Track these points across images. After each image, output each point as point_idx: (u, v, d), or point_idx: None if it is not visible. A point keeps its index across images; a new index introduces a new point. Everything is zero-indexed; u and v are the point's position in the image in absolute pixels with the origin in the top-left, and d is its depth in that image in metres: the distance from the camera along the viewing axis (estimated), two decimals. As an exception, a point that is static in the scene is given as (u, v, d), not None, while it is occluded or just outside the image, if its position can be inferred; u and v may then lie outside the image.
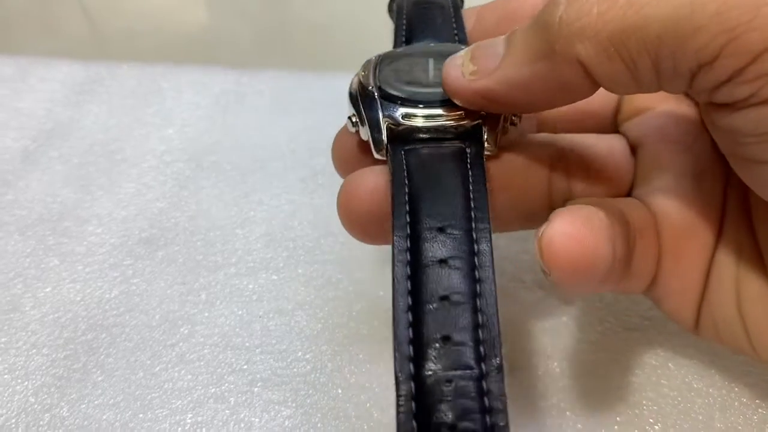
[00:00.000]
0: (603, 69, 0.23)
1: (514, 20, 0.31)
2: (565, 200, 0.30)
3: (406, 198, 0.25)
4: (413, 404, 0.20)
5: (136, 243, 0.43)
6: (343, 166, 0.30)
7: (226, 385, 0.36)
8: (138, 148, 0.50)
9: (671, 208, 0.29)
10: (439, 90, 0.27)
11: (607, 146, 0.32)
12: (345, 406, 0.35)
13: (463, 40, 0.32)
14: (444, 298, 0.22)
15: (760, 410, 0.33)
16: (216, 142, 0.50)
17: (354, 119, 0.29)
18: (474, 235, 0.23)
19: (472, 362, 0.21)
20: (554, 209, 0.26)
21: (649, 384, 0.34)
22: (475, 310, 0.22)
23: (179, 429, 0.34)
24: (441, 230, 0.24)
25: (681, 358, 0.35)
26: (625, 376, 0.35)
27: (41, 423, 0.34)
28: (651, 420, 0.33)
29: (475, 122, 0.27)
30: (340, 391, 0.35)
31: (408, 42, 0.33)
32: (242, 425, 0.34)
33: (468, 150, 0.27)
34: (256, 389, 0.35)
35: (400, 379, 0.21)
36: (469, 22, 0.34)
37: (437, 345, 0.21)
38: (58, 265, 0.42)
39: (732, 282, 0.28)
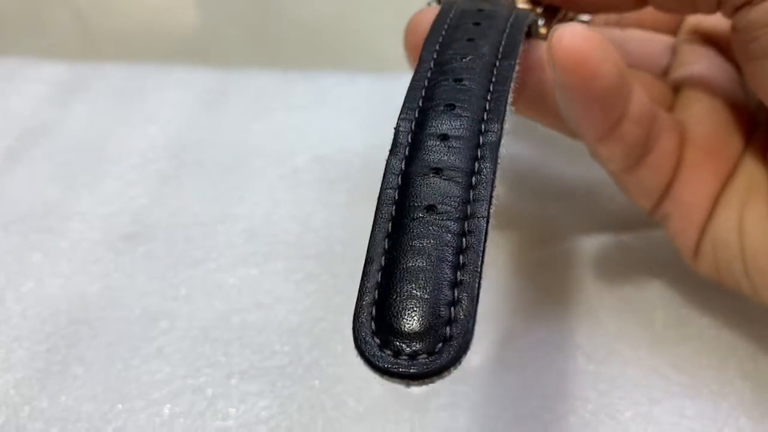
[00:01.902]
0: None
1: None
2: None
3: (434, 54, 0.24)
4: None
5: (118, 239, 0.44)
6: (415, 53, 0.27)
7: (204, 377, 0.36)
8: (121, 147, 0.50)
9: (703, 122, 0.30)
10: None
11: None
12: (321, 397, 0.35)
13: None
14: (436, 170, 0.21)
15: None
16: (198, 139, 0.51)
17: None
18: (485, 116, 0.22)
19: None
20: None
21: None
22: (469, 187, 0.20)
23: (157, 420, 0.34)
24: (451, 107, 0.22)
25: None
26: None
27: (21, 415, 0.35)
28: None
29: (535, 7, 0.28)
30: (317, 382, 0.36)
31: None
32: (219, 416, 0.34)
33: (515, 20, 0.26)
34: (233, 381, 0.36)
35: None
36: None
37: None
38: (41, 261, 0.43)
39: (739, 205, 0.29)
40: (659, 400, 0.34)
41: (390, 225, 0.20)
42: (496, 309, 0.38)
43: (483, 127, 0.22)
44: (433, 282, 0.18)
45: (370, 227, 0.20)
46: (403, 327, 0.18)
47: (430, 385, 0.18)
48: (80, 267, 0.42)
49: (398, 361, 0.17)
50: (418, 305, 0.18)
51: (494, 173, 0.20)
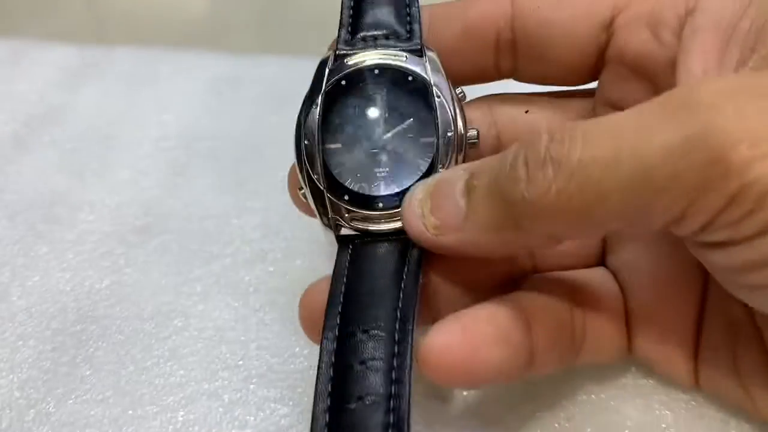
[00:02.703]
0: (575, 237, 0.26)
1: (473, 38, 0.31)
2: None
3: (341, 298, 0.27)
4: None
5: (130, 231, 0.42)
6: (312, 328, 0.30)
7: (220, 381, 0.34)
8: (133, 134, 0.49)
9: (642, 276, 0.30)
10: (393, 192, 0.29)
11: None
12: (343, 404, 0.33)
13: (416, 36, 0.31)
14: (359, 398, 0.24)
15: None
16: (212, 128, 0.49)
17: (303, 193, 0.30)
18: (396, 337, 0.26)
19: None
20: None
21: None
22: (388, 411, 0.24)
23: (170, 427, 0.32)
24: (365, 332, 0.26)
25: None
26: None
27: (26, 419, 0.33)
28: None
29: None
30: (338, 388, 0.34)
31: (354, 23, 0.32)
32: (236, 423, 0.33)
33: (410, 251, 0.28)
34: (251, 386, 0.34)
35: None
36: (423, 23, 0.32)
37: None
38: (47, 253, 0.41)
39: (728, 351, 0.28)
40: None
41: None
42: None
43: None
44: None
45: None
46: None
47: None
48: (89, 261, 0.40)
49: None
50: None
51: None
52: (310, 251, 0.40)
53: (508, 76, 0.33)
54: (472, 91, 0.33)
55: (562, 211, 0.22)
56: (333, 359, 0.25)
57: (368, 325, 0.26)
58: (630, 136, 0.21)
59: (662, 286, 0.30)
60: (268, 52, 0.56)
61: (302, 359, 0.35)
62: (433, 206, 0.27)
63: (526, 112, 0.33)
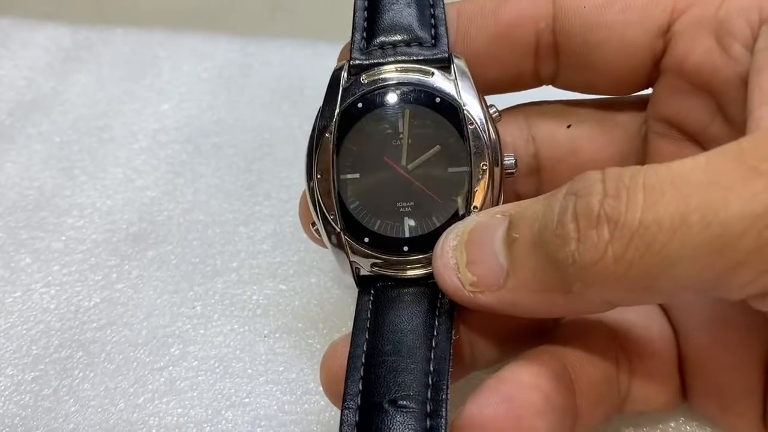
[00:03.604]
0: (635, 304, 0.24)
1: (509, 42, 0.28)
2: None
3: (363, 359, 0.24)
4: None
5: (123, 239, 0.37)
6: (332, 387, 0.26)
7: (224, 423, 0.30)
8: (128, 127, 0.44)
9: (700, 314, 0.27)
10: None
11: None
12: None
13: (442, 42, 0.28)
14: None
15: None
16: (218, 120, 0.44)
17: (316, 229, 0.27)
18: (428, 408, 0.23)
19: None
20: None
21: None
22: None
23: (165, 479, 0.28)
24: (393, 402, 0.23)
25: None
26: None
27: (-1, 465, 0.29)
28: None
29: None
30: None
31: (370, 27, 0.28)
32: (243, 476, 0.28)
33: (440, 299, 0.25)
34: (258, 430, 0.29)
35: None
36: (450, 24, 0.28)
37: None
38: (30, 265, 0.36)
39: None
40: None
41: None
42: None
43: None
44: None
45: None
46: None
47: None
48: (77, 274, 0.36)
49: None
50: None
51: None
52: (328, 266, 0.35)
53: (547, 83, 0.30)
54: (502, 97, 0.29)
55: (620, 278, 0.20)
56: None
57: (396, 393, 0.23)
58: (701, 195, 0.19)
59: (724, 326, 0.27)
60: (280, 35, 0.51)
61: (318, 397, 0.31)
62: (470, 259, 0.24)
63: (568, 126, 0.30)
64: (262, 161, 0.41)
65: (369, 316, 0.25)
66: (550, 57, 0.28)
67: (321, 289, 0.35)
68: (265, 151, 0.42)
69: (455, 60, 0.27)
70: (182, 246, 0.37)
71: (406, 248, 0.26)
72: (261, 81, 0.47)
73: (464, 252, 0.24)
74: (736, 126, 0.25)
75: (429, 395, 0.23)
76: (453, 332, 0.24)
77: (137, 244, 0.37)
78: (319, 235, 0.27)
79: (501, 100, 0.28)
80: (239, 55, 0.49)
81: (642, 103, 0.29)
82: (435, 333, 0.24)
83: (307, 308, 0.34)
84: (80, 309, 0.34)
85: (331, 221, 0.26)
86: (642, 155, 0.29)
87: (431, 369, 0.23)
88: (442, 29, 0.28)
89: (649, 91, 0.29)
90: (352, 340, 0.25)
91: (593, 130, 0.30)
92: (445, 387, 0.23)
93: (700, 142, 0.27)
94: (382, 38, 0.28)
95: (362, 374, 0.23)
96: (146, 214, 0.38)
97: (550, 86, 0.30)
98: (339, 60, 0.28)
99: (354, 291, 0.29)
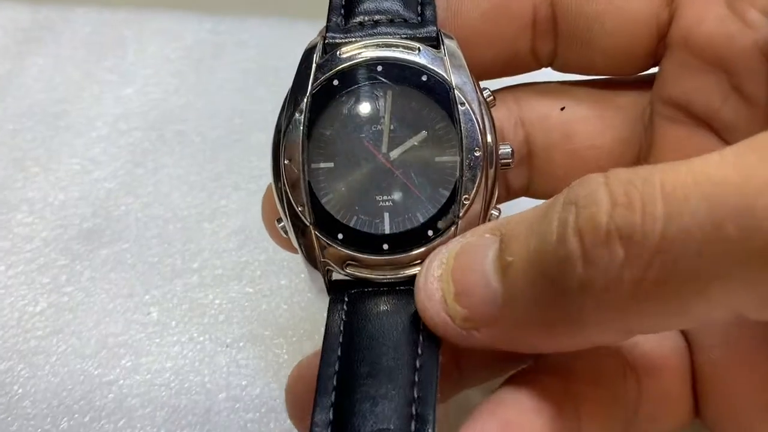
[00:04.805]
0: (659, 331, 0.19)
1: (503, 16, 0.25)
2: None
3: (334, 381, 0.21)
4: None
5: (75, 237, 0.35)
6: (298, 413, 0.24)
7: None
8: (87, 112, 0.40)
9: (716, 325, 0.24)
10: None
11: None
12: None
13: (430, 20, 0.25)
14: None
15: None
16: (185, 105, 0.41)
17: (282, 226, 0.24)
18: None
19: None
20: None
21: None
22: None
23: None
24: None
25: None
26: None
27: None
28: None
29: None
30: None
31: (348, 4, 0.25)
32: None
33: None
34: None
35: None
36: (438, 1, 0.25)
37: None
38: (-29, 266, 0.33)
39: None
40: None
41: None
42: None
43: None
44: None
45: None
46: None
47: None
48: (23, 275, 0.33)
49: None
50: None
51: None
52: (299, 267, 0.32)
53: (545, 65, 0.27)
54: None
55: (641, 304, 0.17)
56: None
57: (373, 426, 0.20)
58: (736, 199, 0.16)
59: (743, 341, 0.24)
60: (255, 13, 0.47)
61: (286, 415, 0.27)
62: (458, 289, 0.20)
63: (562, 109, 0.27)
64: (231, 150, 0.38)
65: (342, 329, 0.22)
66: (548, 33, 0.26)
67: (291, 292, 0.32)
68: (235, 138, 0.39)
69: (445, 38, 0.24)
70: (139, 244, 0.34)
71: (385, 246, 0.22)
72: (233, 63, 0.44)
73: (451, 281, 0.20)
74: (755, 105, 0.23)
75: (413, 428, 0.20)
76: (439, 352, 0.21)
77: (90, 242, 0.34)
78: (286, 235, 0.24)
79: (494, 84, 0.25)
80: (210, 35, 0.46)
81: (646, 83, 0.26)
82: (419, 351, 0.21)
83: (275, 313, 0.31)
84: (24, 315, 0.31)
85: (299, 214, 0.23)
86: (646, 142, 0.26)
87: (415, 396, 0.20)
88: (429, 6, 0.25)
89: (655, 70, 0.26)
90: (321, 358, 0.21)
91: (590, 113, 0.27)
92: (431, 419, 0.20)
93: (714, 127, 0.24)
94: (362, 17, 0.25)
95: (333, 400, 0.20)
96: (101, 209, 0.35)
97: (548, 69, 0.27)
98: (314, 38, 0.25)
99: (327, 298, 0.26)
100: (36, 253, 0.34)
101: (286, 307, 0.31)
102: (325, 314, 0.23)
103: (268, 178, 0.31)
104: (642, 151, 0.26)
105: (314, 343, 0.29)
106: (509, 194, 0.27)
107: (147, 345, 0.30)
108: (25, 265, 0.33)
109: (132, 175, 0.37)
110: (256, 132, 0.39)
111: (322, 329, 0.27)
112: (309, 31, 0.45)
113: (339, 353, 0.21)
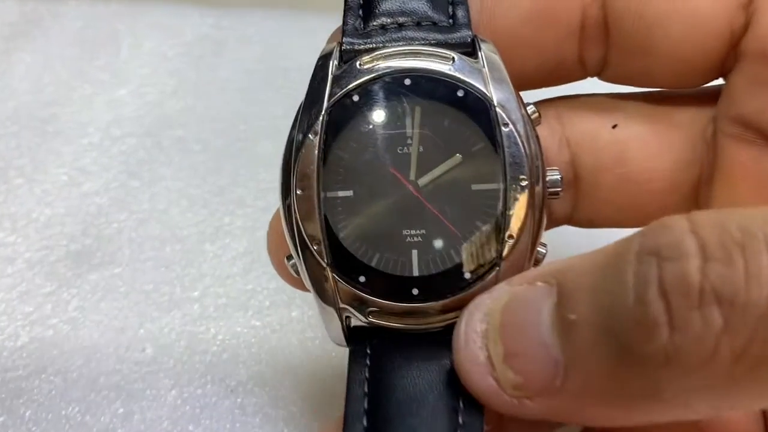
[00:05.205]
0: (755, 410, 0.19)
1: (547, 20, 0.23)
2: None
3: None
4: None
5: (62, 259, 0.32)
6: None
7: None
8: (77, 116, 0.38)
9: None
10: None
11: None
12: None
13: (463, 23, 0.22)
14: None
15: None
16: (184, 109, 0.39)
17: (293, 264, 0.21)
18: None
19: None
20: None
21: None
22: None
23: None
24: None
25: None
26: None
27: None
28: None
29: None
30: None
31: (367, 4, 0.22)
32: None
33: None
34: None
35: None
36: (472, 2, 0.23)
37: None
38: (-53, 294, 0.31)
39: None
40: None
41: None
42: None
43: None
44: None
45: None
46: None
47: None
48: (2, 305, 0.31)
49: None
50: None
51: None
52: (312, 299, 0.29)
53: (592, 74, 0.25)
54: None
55: (740, 381, 0.15)
56: None
57: None
58: None
59: None
60: (260, 5, 0.45)
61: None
62: (508, 350, 0.18)
63: (614, 126, 0.25)
64: (235, 160, 0.36)
65: (366, 391, 0.19)
66: (599, 39, 0.24)
67: (303, 326, 0.29)
68: (240, 146, 0.37)
69: (482, 44, 0.21)
70: (133, 268, 0.32)
71: (415, 291, 0.20)
72: (237, 61, 0.42)
73: (499, 341, 0.18)
74: None
75: None
76: (483, 420, 0.18)
77: (78, 266, 0.32)
78: (297, 274, 0.21)
79: (527, 95, 0.22)
80: (212, 30, 0.44)
81: (707, 97, 0.24)
82: (460, 420, 0.18)
83: (286, 351, 0.28)
84: (4, 351, 0.29)
85: (314, 253, 0.20)
86: (709, 165, 0.23)
87: None
88: (462, 7, 0.22)
89: (720, 82, 0.24)
90: (344, 428, 0.19)
91: (645, 131, 0.25)
92: None
93: None
94: (384, 18, 0.22)
95: None
96: (91, 227, 0.33)
97: (595, 79, 0.25)
98: (328, 44, 0.22)
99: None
100: (17, 278, 0.31)
101: (297, 343, 0.28)
102: (345, 355, 0.20)
103: (277, 194, 0.28)
104: (703, 175, 0.23)
105: (330, 387, 0.26)
106: (549, 222, 0.24)
107: (141, 388, 0.28)
108: (5, 292, 0.31)
109: (126, 188, 0.35)
110: (262, 140, 0.37)
111: (343, 372, 0.24)
112: (320, 25, 0.42)
113: (365, 423, 0.19)
